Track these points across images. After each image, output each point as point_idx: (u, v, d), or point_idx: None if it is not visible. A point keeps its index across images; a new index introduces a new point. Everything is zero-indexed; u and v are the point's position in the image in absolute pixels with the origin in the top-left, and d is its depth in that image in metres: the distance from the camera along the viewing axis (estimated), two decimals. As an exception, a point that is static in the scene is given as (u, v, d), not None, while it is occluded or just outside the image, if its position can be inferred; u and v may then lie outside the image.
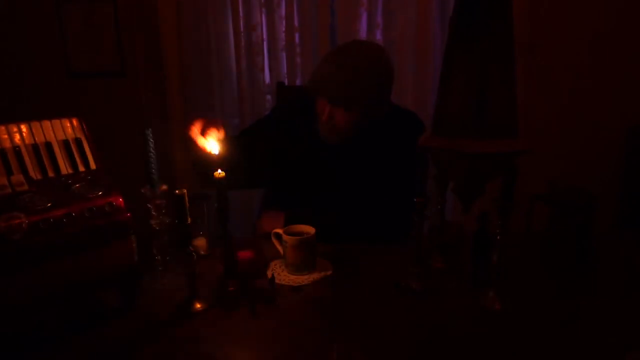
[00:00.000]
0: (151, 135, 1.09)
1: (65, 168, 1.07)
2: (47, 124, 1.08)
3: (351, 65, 1.39)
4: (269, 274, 1.19)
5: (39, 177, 1.03)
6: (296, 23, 2.40)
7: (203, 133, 1.26)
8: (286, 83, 2.38)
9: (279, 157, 1.57)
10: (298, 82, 2.48)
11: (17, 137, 1.04)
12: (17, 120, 1.05)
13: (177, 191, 1.01)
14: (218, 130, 1.28)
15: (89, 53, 2.53)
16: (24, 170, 1.02)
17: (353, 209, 1.45)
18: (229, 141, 1.30)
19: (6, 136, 1.03)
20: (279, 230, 1.25)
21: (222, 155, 1.13)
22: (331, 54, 1.46)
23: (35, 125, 1.07)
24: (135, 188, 1.13)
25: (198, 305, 1.06)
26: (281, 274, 1.21)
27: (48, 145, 1.07)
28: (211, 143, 1.22)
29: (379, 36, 2.37)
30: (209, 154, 1.18)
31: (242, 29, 2.42)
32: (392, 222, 1.44)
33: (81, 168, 1.09)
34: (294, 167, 1.57)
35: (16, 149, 1.03)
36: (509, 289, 1.07)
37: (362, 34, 2.35)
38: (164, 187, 1.12)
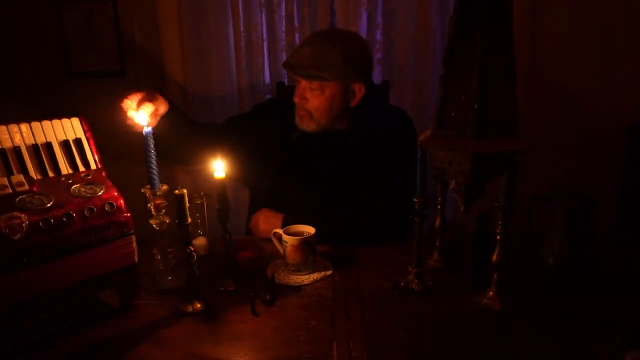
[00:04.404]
0: (151, 135, 1.09)
1: (65, 168, 1.07)
2: (47, 124, 1.08)
3: (322, 40, 1.48)
4: (269, 274, 1.19)
5: (39, 177, 1.03)
6: (296, 23, 2.39)
7: (137, 106, 1.28)
8: (286, 83, 2.38)
9: (261, 154, 1.58)
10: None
11: (17, 137, 1.04)
12: (17, 120, 1.05)
13: (177, 191, 1.01)
14: (153, 104, 1.32)
15: (89, 53, 2.52)
16: (24, 170, 1.02)
17: (342, 209, 1.45)
18: (170, 116, 1.40)
19: (6, 136, 1.03)
20: (279, 231, 1.25)
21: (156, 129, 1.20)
22: (307, 37, 1.56)
23: (35, 125, 1.07)
24: (136, 188, 1.13)
25: (198, 305, 1.06)
26: (281, 274, 1.21)
27: (48, 145, 1.07)
28: (141, 115, 1.22)
29: (378, 36, 2.37)
30: (136, 126, 1.23)
31: (242, 29, 2.41)
32: (384, 223, 1.43)
33: (81, 168, 1.09)
34: (278, 164, 1.57)
35: (16, 149, 1.03)
36: (509, 289, 1.07)
37: (362, 34, 2.34)
38: (164, 187, 1.12)
